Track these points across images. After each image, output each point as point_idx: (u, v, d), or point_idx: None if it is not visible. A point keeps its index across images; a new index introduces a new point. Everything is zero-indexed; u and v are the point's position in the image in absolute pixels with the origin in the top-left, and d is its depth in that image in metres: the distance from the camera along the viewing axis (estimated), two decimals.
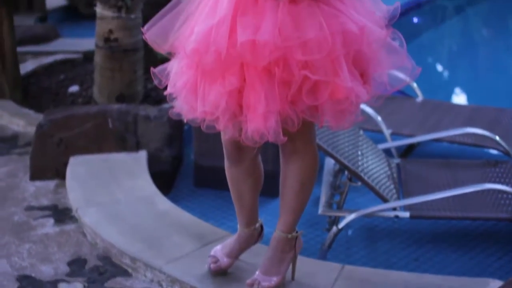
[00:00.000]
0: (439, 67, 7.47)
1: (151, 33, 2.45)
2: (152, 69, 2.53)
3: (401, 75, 2.48)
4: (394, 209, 3.41)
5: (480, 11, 10.38)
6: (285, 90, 2.24)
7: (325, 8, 2.28)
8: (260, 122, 2.25)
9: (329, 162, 3.86)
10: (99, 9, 4.85)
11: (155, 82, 2.55)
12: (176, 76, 2.44)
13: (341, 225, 3.35)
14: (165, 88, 2.51)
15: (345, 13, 2.31)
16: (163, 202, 3.62)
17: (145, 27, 2.46)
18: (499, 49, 8.16)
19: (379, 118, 4.19)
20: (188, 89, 2.39)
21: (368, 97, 2.37)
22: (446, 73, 7.44)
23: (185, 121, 2.49)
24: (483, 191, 3.51)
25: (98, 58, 4.95)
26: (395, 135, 4.31)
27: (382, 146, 4.05)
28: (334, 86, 2.25)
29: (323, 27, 2.23)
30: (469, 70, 7.41)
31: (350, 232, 3.76)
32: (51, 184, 4.09)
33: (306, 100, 2.26)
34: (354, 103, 2.31)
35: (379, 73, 2.42)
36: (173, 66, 2.46)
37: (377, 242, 3.71)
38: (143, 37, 2.46)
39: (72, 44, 6.52)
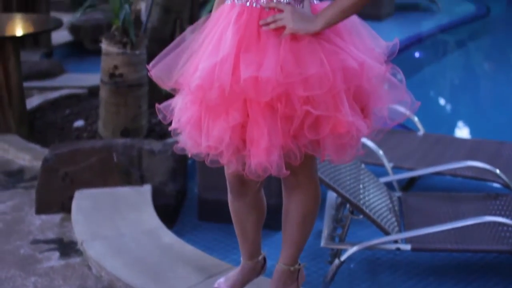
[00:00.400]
0: (441, 101, 7.53)
1: (157, 70, 2.50)
2: (157, 105, 2.58)
3: (401, 109, 2.53)
4: (396, 241, 3.45)
5: (481, 45, 10.48)
6: (287, 125, 2.29)
7: (325, 45, 2.34)
8: (263, 156, 2.29)
9: (331, 196, 3.90)
10: (104, 45, 4.92)
11: (160, 117, 2.60)
12: (180, 112, 2.49)
13: (343, 257, 3.38)
14: (170, 123, 2.56)
15: (345, 50, 2.37)
16: (168, 235, 3.66)
17: (151, 64, 2.52)
18: (500, 82, 8.22)
19: (380, 152, 4.24)
20: (193, 124, 2.44)
21: (369, 131, 2.43)
22: (447, 107, 7.50)
23: (189, 155, 2.54)
24: (484, 223, 3.55)
25: (103, 93, 5.01)
26: (396, 169, 4.35)
27: (383, 179, 4.09)
28: (335, 121, 2.30)
29: (324, 64, 2.29)
30: (470, 103, 7.46)
31: (352, 264, 3.79)
32: (56, 217, 4.14)
33: (308, 135, 2.31)
34: (355, 137, 2.36)
35: (379, 107, 2.47)
36: (177, 102, 2.51)
37: (379, 275, 3.74)
38: (149, 73, 2.52)
39: (77, 80, 6.58)
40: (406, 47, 8.95)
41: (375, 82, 2.42)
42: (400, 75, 2.49)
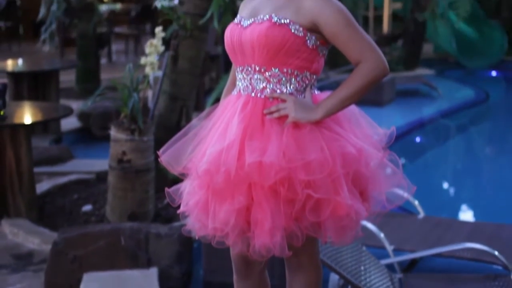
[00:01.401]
0: (441, 184, 7.64)
1: (166, 156, 2.64)
2: (166, 189, 2.71)
3: (399, 192, 2.66)
4: None
5: (481, 130, 10.63)
6: (289, 208, 2.42)
7: (326, 132, 2.50)
8: (267, 237, 2.41)
9: (333, 278, 3.97)
10: (113, 132, 5.05)
11: (169, 201, 2.72)
12: (188, 196, 2.62)
13: None
14: (178, 206, 2.68)
15: (345, 137, 2.52)
16: None
17: (161, 150, 2.66)
18: (499, 166, 8.35)
19: (382, 235, 4.34)
20: (200, 207, 2.56)
21: (368, 214, 2.55)
22: (448, 190, 7.61)
23: (196, 237, 2.65)
24: None
25: (111, 178, 5.13)
26: (397, 251, 4.45)
27: (384, 261, 4.18)
28: (335, 204, 2.42)
29: (324, 150, 2.43)
30: (470, 186, 7.57)
31: None
32: None
33: (310, 217, 2.43)
34: (354, 220, 2.48)
35: (377, 192, 2.60)
36: (186, 186, 2.64)
37: None
38: (158, 159, 2.66)
39: (86, 165, 6.71)
40: (407, 132, 9.11)
41: (373, 167, 2.56)
42: (397, 161, 2.62)
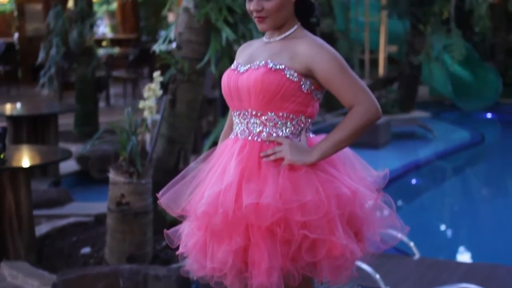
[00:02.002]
0: (437, 226, 7.68)
1: (165, 198, 2.71)
2: (165, 231, 2.77)
3: (394, 233, 2.72)
4: None
5: (477, 172, 10.69)
6: (286, 248, 2.48)
7: (321, 174, 2.57)
8: (264, 277, 2.46)
9: None
10: (112, 175, 5.11)
11: (168, 242, 2.78)
12: (187, 237, 2.68)
13: None
14: (177, 248, 2.74)
15: (339, 179, 2.59)
16: None
17: (160, 192, 2.73)
18: (495, 207, 8.40)
19: (377, 276, 4.38)
20: (198, 248, 2.62)
21: (362, 254, 2.61)
22: (443, 232, 7.65)
23: (194, 278, 2.71)
24: None
25: (110, 221, 5.17)
26: None
27: None
28: (330, 244, 2.49)
29: (320, 191, 2.50)
30: (465, 227, 7.61)
31: None
32: None
33: (306, 257, 2.49)
34: (349, 259, 2.54)
35: (371, 232, 2.67)
36: (184, 228, 2.71)
37: None
38: (158, 201, 2.73)
39: (84, 208, 6.74)
40: (403, 174, 9.16)
41: (367, 208, 2.63)
42: (391, 203, 2.69)
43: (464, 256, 6.65)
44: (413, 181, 9.67)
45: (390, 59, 14.95)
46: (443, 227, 7.73)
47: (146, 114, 5.41)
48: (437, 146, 11.30)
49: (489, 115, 14.17)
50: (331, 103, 11.48)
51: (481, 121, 13.77)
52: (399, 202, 7.44)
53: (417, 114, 13.16)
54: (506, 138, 12.95)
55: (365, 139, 9.41)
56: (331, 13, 12.44)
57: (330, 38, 11.73)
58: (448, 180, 10.22)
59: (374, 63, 14.74)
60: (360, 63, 14.22)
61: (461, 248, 6.89)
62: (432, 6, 12.15)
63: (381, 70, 14.17)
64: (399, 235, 2.73)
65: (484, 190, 9.68)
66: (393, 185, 7.83)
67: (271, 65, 2.58)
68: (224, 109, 9.53)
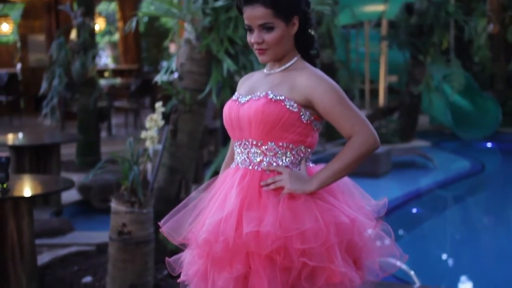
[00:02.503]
0: (437, 255, 7.68)
1: (167, 227, 2.75)
2: (167, 259, 2.81)
3: (393, 261, 2.75)
4: None
5: (477, 201, 10.69)
6: (286, 276, 2.51)
7: (320, 203, 2.61)
8: None
9: None
10: (113, 204, 5.13)
11: (169, 270, 2.81)
12: (188, 265, 2.72)
13: None
14: (177, 276, 2.78)
15: (338, 207, 2.64)
16: None
17: (162, 221, 2.77)
18: (496, 236, 8.41)
19: None
20: (199, 276, 2.66)
21: (361, 282, 2.65)
22: (444, 260, 7.65)
23: None
24: None
25: (111, 250, 5.19)
26: None
27: None
28: (329, 271, 2.53)
29: (319, 219, 2.55)
30: (466, 256, 7.61)
31: None
32: None
33: (305, 285, 2.52)
34: (348, 287, 2.58)
35: (370, 260, 2.70)
36: (186, 256, 2.74)
37: None
38: (160, 230, 2.77)
39: (86, 237, 6.75)
40: (404, 203, 9.17)
41: (366, 236, 2.67)
42: (389, 231, 2.73)
43: (464, 285, 6.65)
44: (414, 210, 9.68)
45: (390, 89, 15.02)
46: (444, 256, 7.73)
47: (148, 144, 5.45)
48: (438, 175, 11.32)
49: (489, 144, 14.21)
50: (331, 133, 11.54)
51: (481, 150, 13.80)
52: (400, 231, 7.45)
53: (417, 143, 13.20)
54: (506, 167, 12.98)
55: (366, 168, 9.47)
56: (332, 44, 12.53)
57: (330, 68, 11.81)
58: (449, 209, 10.23)
59: (375, 93, 14.83)
60: (360, 93, 14.30)
61: (462, 277, 6.89)
62: (431, 36, 12.23)
63: (381, 100, 14.24)
64: (398, 263, 2.77)
65: (485, 219, 9.69)
66: (394, 214, 7.84)
67: (271, 96, 2.63)
68: (225, 139, 9.58)
